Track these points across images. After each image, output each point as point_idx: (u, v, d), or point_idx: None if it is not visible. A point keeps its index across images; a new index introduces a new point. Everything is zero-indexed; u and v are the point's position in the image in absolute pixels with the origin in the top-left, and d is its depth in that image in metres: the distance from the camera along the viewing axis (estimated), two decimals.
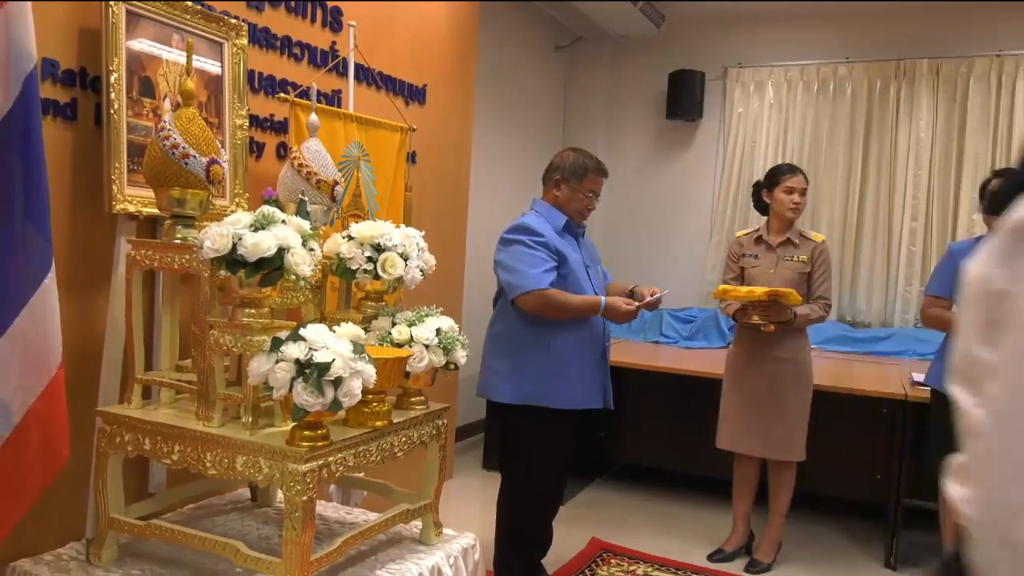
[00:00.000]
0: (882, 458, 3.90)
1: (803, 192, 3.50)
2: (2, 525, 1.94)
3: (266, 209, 2.01)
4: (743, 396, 3.53)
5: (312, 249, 2.05)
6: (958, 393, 0.88)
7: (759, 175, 5.97)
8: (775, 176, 3.55)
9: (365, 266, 2.37)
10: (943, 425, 3.37)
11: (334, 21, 3.29)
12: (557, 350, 2.90)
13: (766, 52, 6.05)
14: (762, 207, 3.63)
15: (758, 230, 3.61)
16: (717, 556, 3.68)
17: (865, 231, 5.75)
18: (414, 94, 3.82)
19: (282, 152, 3.06)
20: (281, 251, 1.96)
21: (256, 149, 2.95)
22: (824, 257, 3.53)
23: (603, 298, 2.87)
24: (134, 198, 2.36)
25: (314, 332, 1.90)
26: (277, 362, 1.86)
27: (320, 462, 1.96)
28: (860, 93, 5.77)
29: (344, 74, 3.30)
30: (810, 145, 5.90)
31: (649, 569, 3.58)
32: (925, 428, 3.52)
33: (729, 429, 3.58)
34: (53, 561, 2.19)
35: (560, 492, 3.19)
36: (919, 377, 3.73)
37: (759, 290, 3.27)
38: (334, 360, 1.85)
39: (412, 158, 3.66)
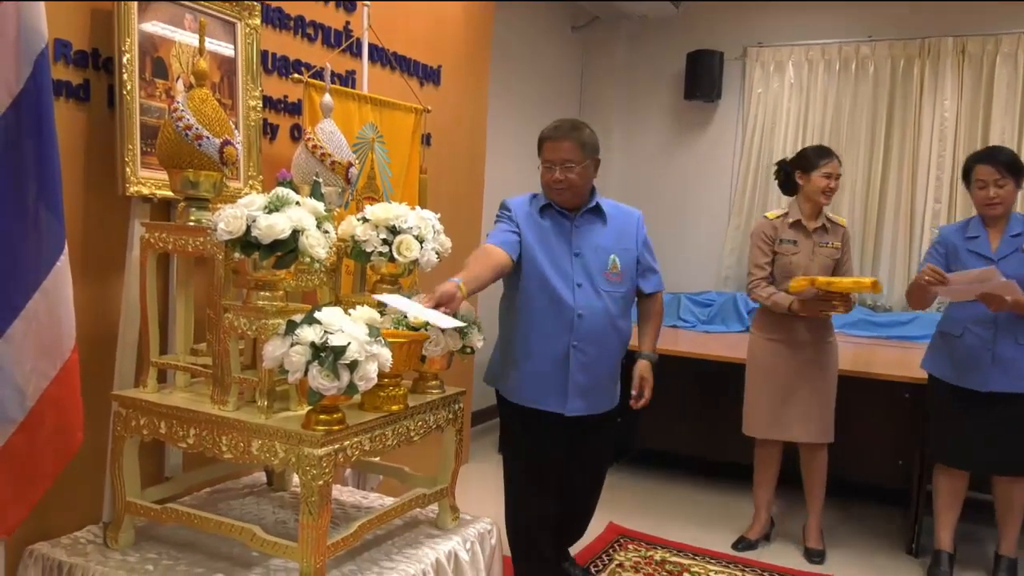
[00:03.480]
0: (904, 443, 3.86)
1: (838, 177, 3.42)
2: (18, 509, 1.95)
3: (280, 191, 2.00)
4: (775, 382, 3.46)
5: (327, 231, 2.04)
6: None
7: (779, 157, 5.90)
8: (813, 159, 3.43)
9: (380, 249, 2.35)
10: (939, 412, 3.35)
11: (348, 1, 3.26)
12: (515, 337, 2.74)
13: (786, 31, 5.96)
14: (789, 188, 3.56)
15: (788, 213, 3.51)
16: (741, 544, 3.65)
17: (887, 213, 5.68)
18: (429, 75, 3.79)
19: (296, 134, 3.04)
20: (296, 233, 1.95)
21: (270, 131, 2.94)
22: (849, 242, 3.51)
23: (457, 280, 2.34)
24: (148, 180, 2.35)
25: (329, 315, 1.89)
26: (292, 345, 1.85)
27: (336, 446, 1.95)
28: (883, 72, 5.68)
29: (358, 55, 3.27)
30: (831, 126, 5.81)
31: (667, 555, 3.56)
32: None
33: (760, 416, 3.51)
34: (71, 544, 2.20)
35: (574, 499, 2.98)
36: (920, 363, 3.69)
37: (866, 280, 3.16)
38: (350, 343, 1.84)
39: (427, 140, 3.64)
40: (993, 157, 3.17)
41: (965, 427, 3.22)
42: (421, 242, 2.38)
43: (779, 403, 3.46)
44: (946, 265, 3.23)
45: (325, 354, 1.83)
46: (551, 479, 2.83)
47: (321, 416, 1.94)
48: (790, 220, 3.48)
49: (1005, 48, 5.32)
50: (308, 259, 1.99)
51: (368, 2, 3.15)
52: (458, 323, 2.21)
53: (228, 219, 1.93)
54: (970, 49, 5.43)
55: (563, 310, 2.66)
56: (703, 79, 6.06)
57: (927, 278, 3.03)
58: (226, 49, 2.63)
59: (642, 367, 2.84)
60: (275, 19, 2.93)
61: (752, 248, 3.55)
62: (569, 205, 2.72)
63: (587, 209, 2.74)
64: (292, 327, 1.88)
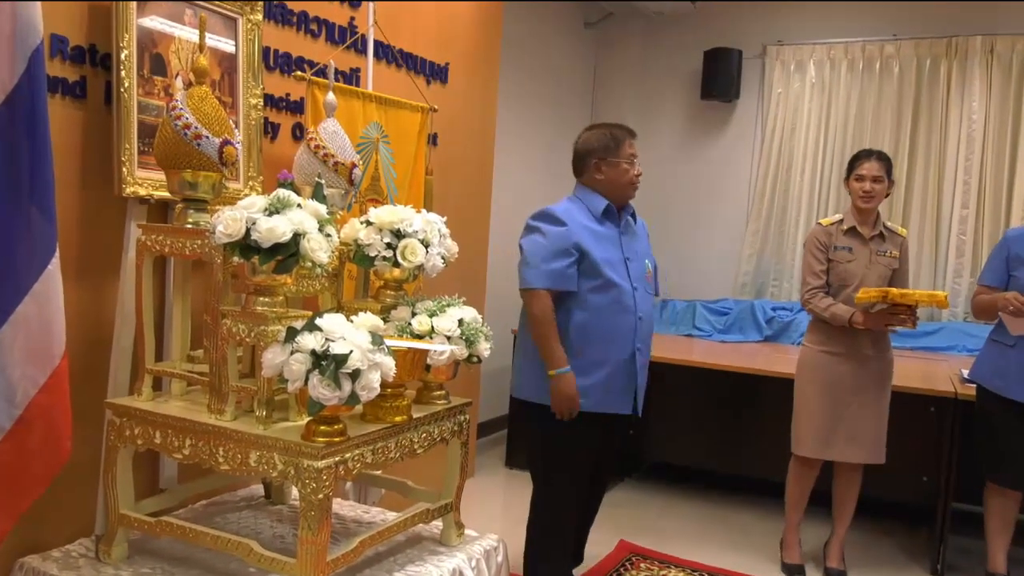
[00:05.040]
0: (929, 459, 3.83)
1: (876, 179, 3.38)
2: (6, 520, 1.95)
3: (281, 192, 2.00)
4: (830, 398, 3.38)
5: (329, 235, 2.04)
6: None
7: (799, 159, 5.96)
8: (850, 162, 3.47)
9: (384, 253, 2.35)
10: (987, 425, 3.32)
11: None
12: (577, 347, 2.80)
13: (808, 29, 5.95)
14: None
15: (842, 219, 3.48)
16: (793, 572, 3.60)
17: (912, 219, 5.64)
18: (436, 73, 3.79)
19: (298, 133, 3.05)
20: (297, 236, 1.95)
21: (271, 130, 2.94)
22: (908, 253, 3.53)
23: (567, 370, 2.74)
24: (145, 181, 2.35)
25: (331, 322, 1.88)
26: (292, 353, 1.85)
27: (337, 458, 1.95)
28: (908, 72, 5.65)
29: (363, 51, 3.28)
30: (854, 128, 5.79)
31: (681, 574, 3.54)
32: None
33: (811, 434, 3.42)
34: (62, 558, 2.20)
35: (593, 505, 3.10)
36: (968, 373, 3.67)
37: (940, 293, 3.16)
38: (352, 352, 1.84)
39: (433, 140, 3.64)
40: None
41: (1011, 442, 3.19)
42: (427, 246, 2.38)
43: (832, 421, 3.40)
44: (1006, 271, 3.23)
45: (326, 362, 1.83)
46: (585, 494, 3.02)
47: (321, 427, 1.93)
48: (844, 227, 3.45)
49: None
50: (309, 263, 1.98)
51: None
52: (444, 347, 2.24)
53: (227, 221, 1.92)
54: (999, 48, 5.41)
55: (628, 314, 2.84)
56: (721, 78, 6.05)
57: (1011, 308, 3.07)
58: (227, 45, 2.63)
59: None
60: (278, 15, 2.94)
61: (806, 255, 3.52)
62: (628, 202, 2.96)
63: (628, 214, 2.98)
64: (292, 334, 1.88)
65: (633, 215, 3.02)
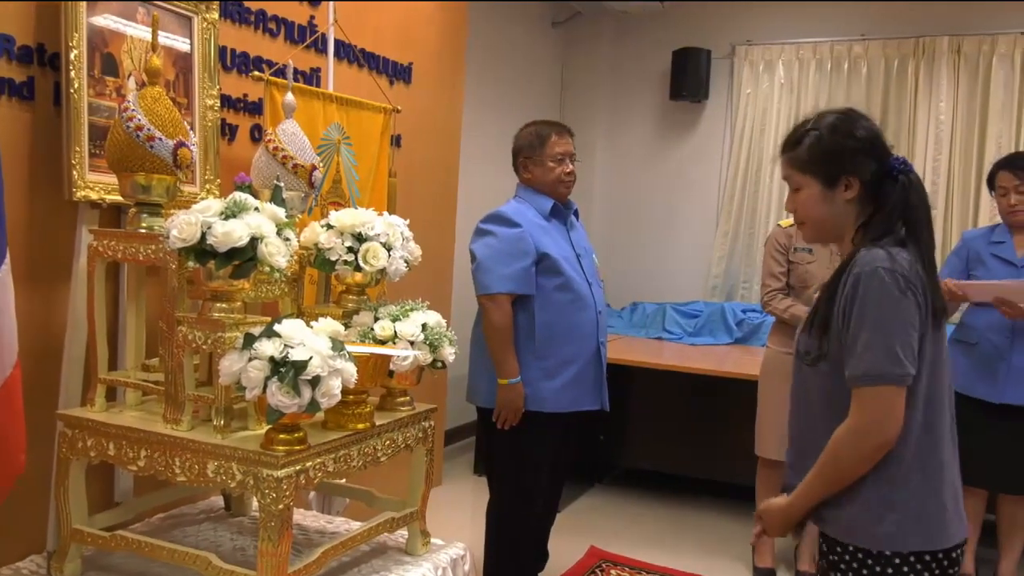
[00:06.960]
0: None
1: None
2: None
3: (238, 196, 1.99)
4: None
5: (288, 239, 2.03)
6: None
7: (768, 160, 6.03)
8: None
9: (345, 257, 2.34)
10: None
11: None
12: (545, 348, 2.85)
13: (776, 29, 6.04)
14: None
15: None
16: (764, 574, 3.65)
17: None
18: (399, 73, 3.79)
19: (256, 135, 3.03)
20: (254, 241, 1.94)
21: (228, 131, 2.93)
22: None
23: (517, 381, 2.81)
24: (96, 184, 2.33)
25: (290, 328, 1.88)
26: (250, 360, 1.84)
27: (297, 468, 1.94)
28: (876, 72, 5.76)
29: (323, 51, 3.27)
30: None
31: None
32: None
33: (774, 435, 3.40)
34: None
35: (554, 503, 3.16)
36: None
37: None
38: (311, 358, 1.83)
39: (397, 141, 3.64)
40: (1013, 163, 3.24)
41: (977, 441, 3.25)
42: (389, 250, 2.38)
43: None
44: (965, 270, 3.30)
45: (285, 369, 1.82)
46: (551, 495, 3.12)
47: (281, 435, 1.93)
48: None
49: (1001, 48, 5.42)
50: (267, 268, 1.98)
51: None
52: (407, 352, 2.23)
53: (181, 226, 1.91)
54: (966, 49, 5.52)
55: (589, 309, 2.90)
56: (689, 78, 6.12)
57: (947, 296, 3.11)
58: (182, 44, 2.62)
59: None
60: (234, 13, 2.92)
61: (765, 257, 3.58)
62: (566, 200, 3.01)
63: (572, 212, 3.03)
64: (250, 340, 1.87)
65: (576, 213, 3.09)
